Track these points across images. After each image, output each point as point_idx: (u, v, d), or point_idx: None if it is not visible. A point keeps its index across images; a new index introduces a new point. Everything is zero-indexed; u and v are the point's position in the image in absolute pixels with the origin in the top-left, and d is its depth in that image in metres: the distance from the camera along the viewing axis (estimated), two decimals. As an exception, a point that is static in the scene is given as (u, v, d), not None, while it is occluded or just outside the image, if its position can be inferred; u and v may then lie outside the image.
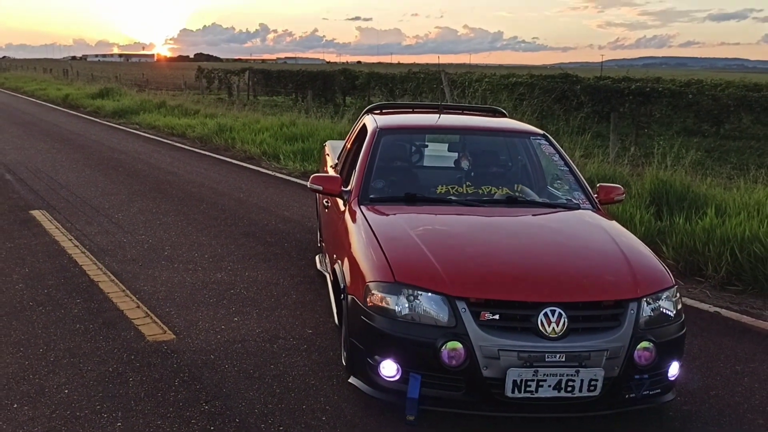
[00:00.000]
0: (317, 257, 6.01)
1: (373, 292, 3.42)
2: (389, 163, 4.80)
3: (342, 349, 4.04)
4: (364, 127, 5.23)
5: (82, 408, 3.50)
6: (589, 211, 4.32)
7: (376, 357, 3.40)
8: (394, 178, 4.71)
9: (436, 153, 5.28)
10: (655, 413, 3.56)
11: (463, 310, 3.24)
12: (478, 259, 3.56)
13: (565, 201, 4.46)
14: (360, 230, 3.98)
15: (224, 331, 4.53)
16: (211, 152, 13.57)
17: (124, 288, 5.33)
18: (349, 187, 4.55)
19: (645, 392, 3.36)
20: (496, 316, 3.25)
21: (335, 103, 21.29)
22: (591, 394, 3.21)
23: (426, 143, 5.38)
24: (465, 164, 4.80)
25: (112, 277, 5.57)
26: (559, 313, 3.22)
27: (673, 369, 3.47)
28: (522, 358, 3.17)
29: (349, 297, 3.64)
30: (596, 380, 3.18)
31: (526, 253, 3.71)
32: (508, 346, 3.18)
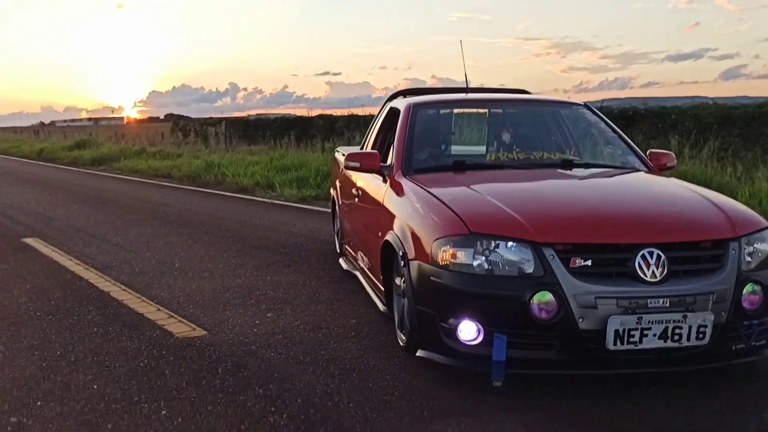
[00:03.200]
0: (341, 260, 5.65)
1: (443, 248, 3.08)
2: (427, 137, 4.51)
3: (398, 330, 3.67)
4: (392, 110, 4.94)
5: (118, 401, 3.06)
6: (649, 174, 4.05)
7: (452, 320, 3.03)
8: (436, 151, 4.42)
9: (475, 128, 5.00)
10: (753, 371, 3.22)
11: (551, 257, 2.91)
12: (560, 206, 3.25)
13: (621, 164, 4.18)
14: (410, 198, 3.65)
15: (259, 325, 4.12)
16: (200, 187, 13.17)
17: (139, 295, 4.89)
18: (388, 162, 4.24)
19: (753, 342, 3.04)
20: (588, 262, 2.91)
21: (314, 147, 21.11)
22: (699, 343, 2.87)
23: (463, 118, 5.11)
24: (506, 137, 4.52)
25: (124, 288, 5.13)
26: (658, 254, 2.90)
27: (779, 318, 3.14)
28: (622, 306, 2.83)
29: (412, 263, 3.28)
30: (705, 326, 2.85)
31: (611, 199, 3.42)
32: (607, 293, 2.84)
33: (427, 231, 3.25)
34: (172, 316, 4.35)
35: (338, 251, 6.14)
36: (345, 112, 25.48)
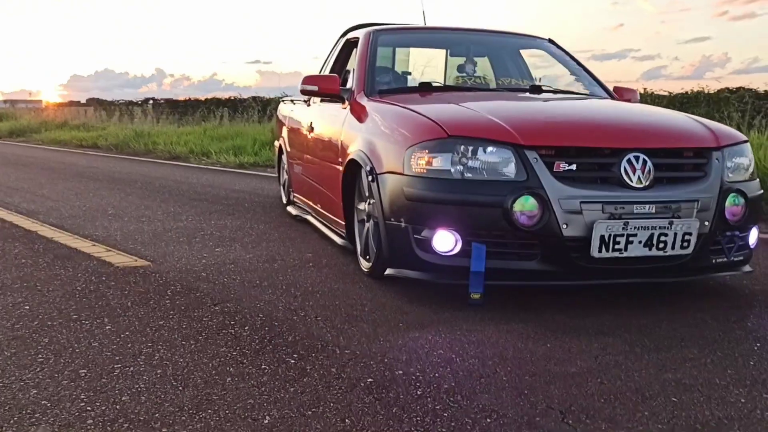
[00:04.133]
0: (289, 208, 5.38)
1: (417, 155, 2.87)
2: (388, 63, 4.29)
3: (361, 258, 3.47)
4: (348, 42, 4.70)
5: (53, 318, 2.72)
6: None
7: (426, 231, 2.83)
8: (399, 76, 4.21)
9: (438, 60, 4.81)
10: (724, 289, 3.15)
11: (535, 160, 2.74)
12: (542, 114, 3.11)
13: (590, 93, 4.08)
14: (377, 114, 3.44)
15: (208, 257, 3.82)
16: (130, 156, 12.56)
17: (71, 234, 4.50)
18: (348, 86, 4.00)
19: (732, 257, 2.96)
20: (573, 166, 2.76)
21: (251, 120, 20.48)
22: (683, 252, 2.77)
23: (426, 49, 4.90)
24: (470, 68, 4.35)
25: (54, 228, 4.71)
26: (644, 159, 2.78)
27: (753, 235, 3.09)
28: (608, 211, 2.69)
29: (382, 177, 3.06)
30: (690, 233, 2.74)
31: (595, 110, 3.30)
32: (592, 197, 2.70)
33: (399, 140, 3.04)
34: (110, 250, 3.99)
35: (285, 202, 5.88)
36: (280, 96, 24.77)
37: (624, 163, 2.76)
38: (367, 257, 3.40)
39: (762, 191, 3.15)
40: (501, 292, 2.94)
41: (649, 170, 2.78)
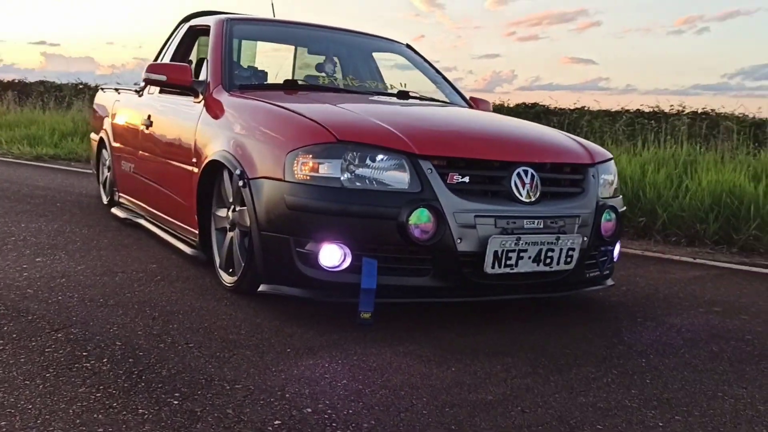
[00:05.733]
0: (114, 210, 4.80)
1: (301, 160, 2.60)
2: (245, 55, 3.94)
3: (221, 271, 3.12)
4: (193, 29, 4.27)
5: None
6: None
7: (311, 245, 2.57)
8: (258, 70, 3.87)
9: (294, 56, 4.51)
10: (587, 302, 3.24)
11: (429, 170, 2.60)
12: (431, 123, 2.98)
13: (451, 101, 4.03)
14: (245, 112, 3.12)
15: (29, 269, 3.23)
16: None
17: None
18: (201, 78, 3.60)
19: (604, 271, 3.04)
20: (466, 179, 2.66)
21: (45, 107, 18.43)
22: (566, 267, 2.77)
23: (282, 44, 4.57)
24: (329, 68, 4.13)
25: None
26: (532, 174, 2.75)
27: (617, 250, 3.20)
28: (501, 226, 2.62)
29: (256, 182, 2.75)
30: (573, 249, 2.76)
31: (475, 122, 3.21)
32: (486, 211, 2.61)
33: (276, 143, 2.75)
34: None
35: (106, 202, 5.25)
36: (71, 82, 22.63)
37: (514, 177, 2.71)
38: (230, 270, 3.05)
39: (625, 207, 3.27)
40: (384, 310, 2.75)
41: (537, 185, 2.75)
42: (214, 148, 3.13)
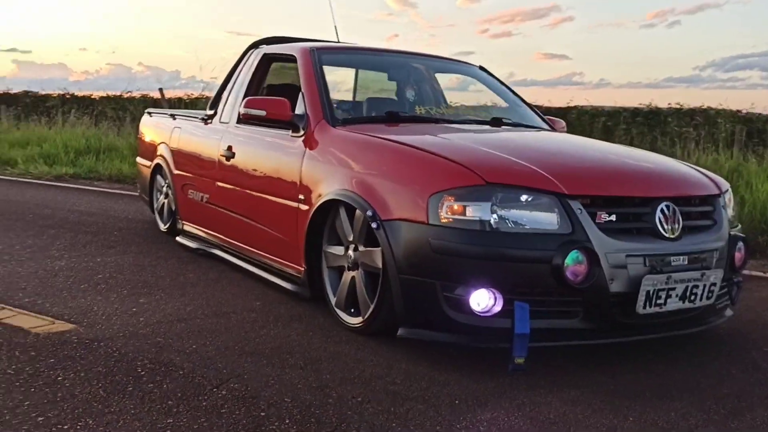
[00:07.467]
0: (179, 238, 4.71)
1: (446, 203, 2.56)
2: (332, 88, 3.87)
3: (338, 311, 3.06)
4: (267, 56, 4.19)
5: None
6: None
7: (460, 289, 2.53)
8: (354, 102, 3.82)
9: (376, 81, 4.45)
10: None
11: (579, 211, 2.56)
12: (568, 159, 2.92)
13: (538, 125, 4.00)
14: (368, 152, 3.05)
15: (139, 314, 3.15)
16: None
17: None
18: (297, 112, 3.53)
19: (734, 302, 3.03)
20: (613, 217, 2.63)
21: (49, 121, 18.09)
22: (708, 302, 2.76)
23: (365, 71, 4.51)
24: (410, 94, 4.09)
25: None
26: (674, 209, 2.73)
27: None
28: (650, 264, 2.59)
29: (392, 224, 2.69)
30: (715, 284, 2.74)
31: (604, 154, 3.17)
32: (636, 251, 2.59)
33: (416, 184, 2.70)
34: (3, 308, 3.14)
35: (164, 229, 5.15)
36: (57, 92, 22.34)
37: (658, 213, 2.69)
38: (352, 311, 3.00)
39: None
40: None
41: (679, 220, 2.73)
42: (329, 187, 3.08)
